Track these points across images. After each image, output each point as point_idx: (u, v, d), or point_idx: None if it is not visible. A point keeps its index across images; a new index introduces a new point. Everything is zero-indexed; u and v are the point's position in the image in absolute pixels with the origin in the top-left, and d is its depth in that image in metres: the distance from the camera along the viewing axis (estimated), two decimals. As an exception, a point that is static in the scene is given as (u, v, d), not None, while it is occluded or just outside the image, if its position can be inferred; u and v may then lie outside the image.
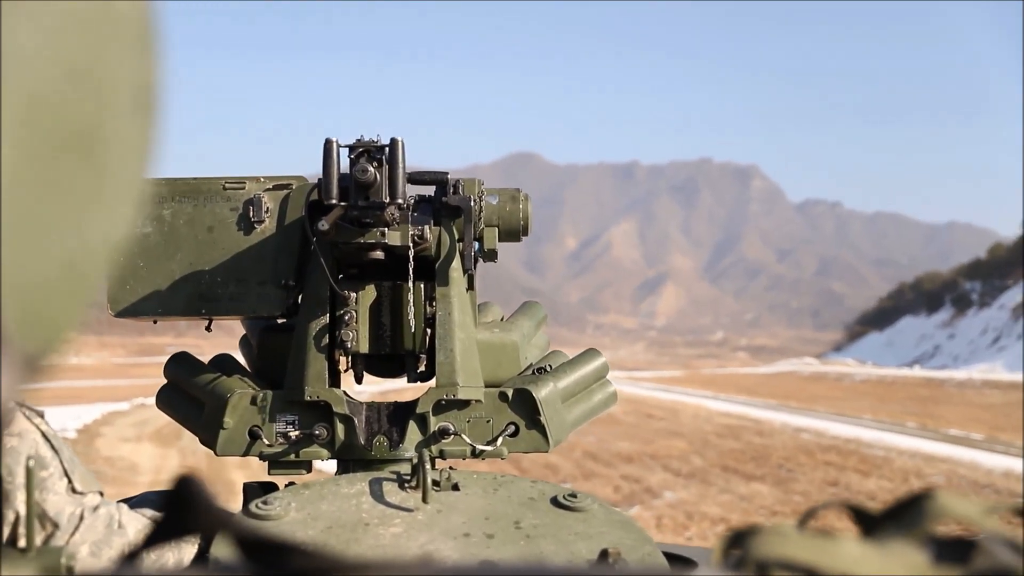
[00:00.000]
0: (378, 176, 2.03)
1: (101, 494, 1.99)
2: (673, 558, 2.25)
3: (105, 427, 23.22)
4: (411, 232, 2.15)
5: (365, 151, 2.02)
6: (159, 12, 0.52)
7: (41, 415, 1.95)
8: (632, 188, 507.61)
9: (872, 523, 0.62)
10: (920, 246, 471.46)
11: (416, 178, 2.18)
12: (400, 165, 2.03)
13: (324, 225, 2.06)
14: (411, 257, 2.17)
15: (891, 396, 38.31)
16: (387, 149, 2.03)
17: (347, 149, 2.04)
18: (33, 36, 0.45)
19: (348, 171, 2.05)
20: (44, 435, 1.93)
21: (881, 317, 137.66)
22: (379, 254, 2.17)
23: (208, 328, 2.40)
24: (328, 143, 2.04)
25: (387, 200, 2.04)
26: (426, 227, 2.18)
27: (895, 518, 0.61)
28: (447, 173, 2.24)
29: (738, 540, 0.56)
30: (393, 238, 2.13)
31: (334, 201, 2.05)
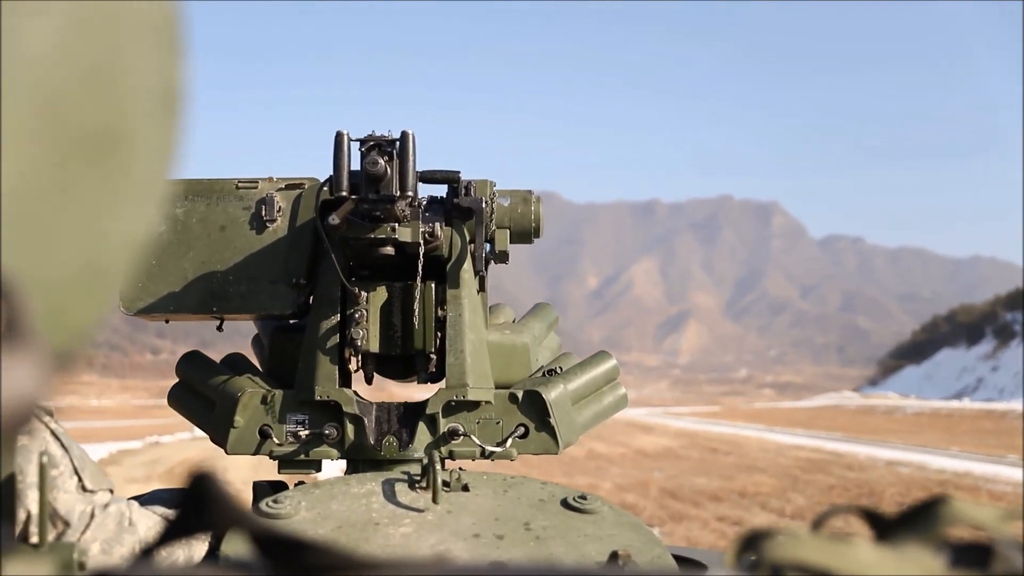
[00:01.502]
0: (389, 169, 2.01)
1: (111, 491, 1.98)
2: (683, 561, 2.22)
3: (112, 467, 21.60)
4: (422, 229, 2.14)
5: (376, 144, 2.01)
6: (182, 13, 0.52)
7: (51, 413, 1.94)
8: (653, 226, 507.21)
9: (886, 527, 0.62)
10: (944, 281, 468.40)
11: (428, 177, 2.16)
12: (410, 158, 2.02)
13: (335, 219, 2.05)
14: (421, 254, 2.17)
15: (956, 428, 36.57)
16: (398, 143, 2.02)
17: (358, 143, 2.02)
18: (53, 35, 0.44)
19: (359, 168, 2.04)
20: (54, 433, 1.91)
21: (916, 351, 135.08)
22: (389, 250, 2.14)
23: (220, 328, 2.39)
24: (339, 135, 2.04)
25: (397, 193, 2.02)
26: (437, 224, 2.17)
27: (909, 523, 0.60)
28: (459, 172, 2.21)
29: (752, 543, 0.56)
30: (404, 234, 2.12)
31: (344, 193, 2.04)
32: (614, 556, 1.86)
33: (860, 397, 79.59)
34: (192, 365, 2.40)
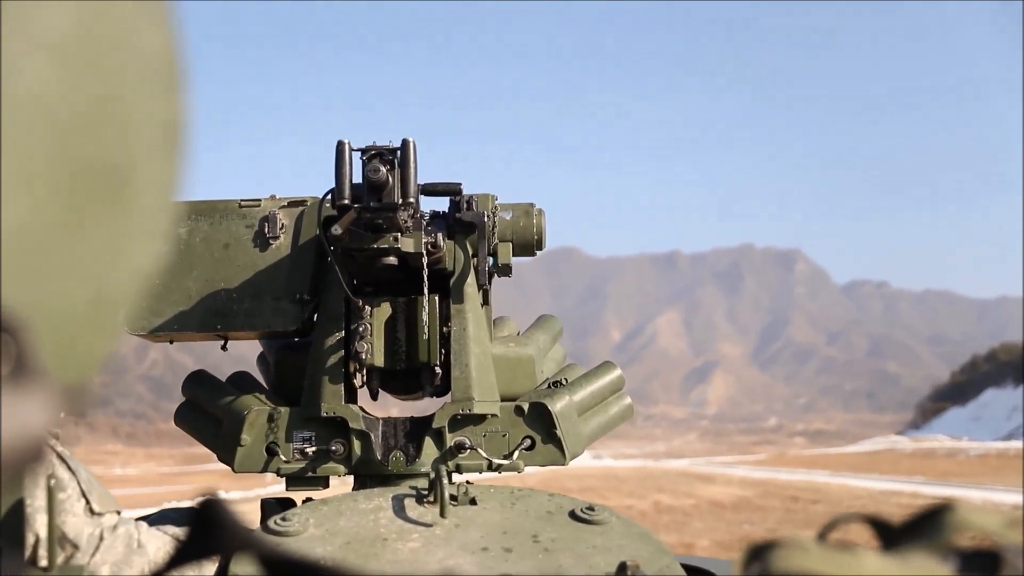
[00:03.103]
0: (390, 178, 2.00)
1: (119, 513, 1.97)
2: (692, 571, 2.20)
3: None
4: (424, 240, 2.14)
5: (377, 153, 2.00)
6: (184, 49, 0.53)
7: (56, 436, 1.92)
8: (675, 277, 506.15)
9: (892, 536, 0.61)
10: (973, 322, 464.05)
11: (430, 190, 2.17)
12: (412, 165, 2.01)
13: (338, 229, 2.05)
14: (425, 264, 2.16)
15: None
16: (399, 151, 2.01)
17: (359, 152, 2.02)
18: (57, 72, 0.45)
19: (360, 180, 2.04)
20: (60, 456, 1.91)
21: (957, 392, 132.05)
22: (392, 260, 2.14)
23: (224, 347, 2.39)
24: (340, 144, 2.03)
25: (399, 202, 2.02)
26: (439, 235, 2.17)
27: (915, 531, 0.59)
28: (460, 184, 2.22)
29: (758, 553, 0.55)
30: (406, 244, 2.12)
31: (347, 202, 2.03)
32: (623, 567, 1.84)
33: (910, 441, 76.98)
34: (198, 384, 2.40)
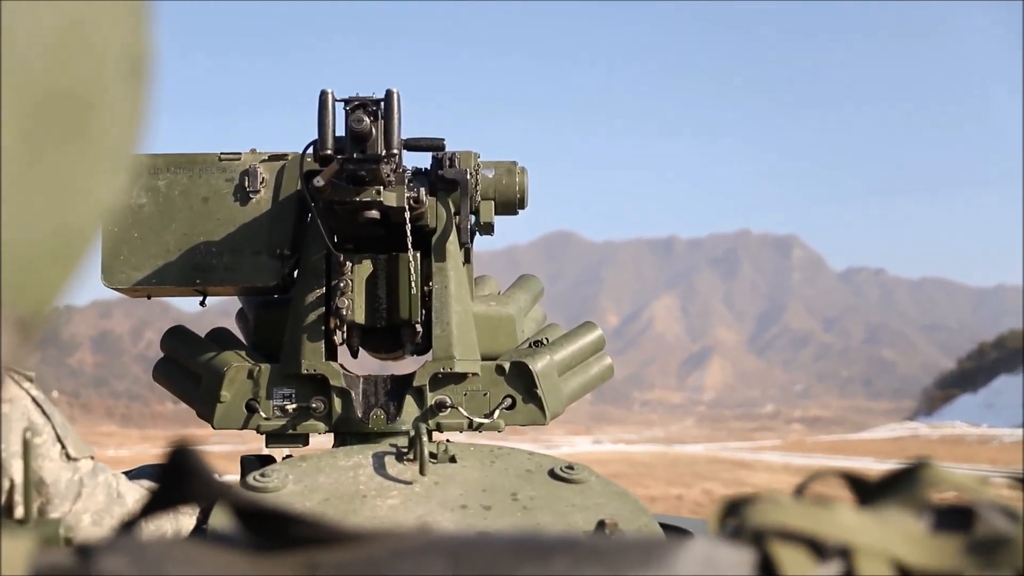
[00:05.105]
0: (374, 130, 1.99)
1: (92, 458, 1.96)
2: (670, 529, 2.20)
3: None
4: (407, 195, 2.13)
5: (361, 104, 2.00)
6: None
7: (30, 379, 1.90)
8: (672, 262, 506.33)
9: (868, 492, 0.61)
10: (970, 310, 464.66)
11: (412, 144, 2.16)
12: (395, 116, 2.00)
13: (320, 181, 2.03)
14: (407, 220, 2.14)
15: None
16: (382, 102, 2.00)
17: (343, 103, 2.01)
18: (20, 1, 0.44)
19: (344, 132, 2.02)
20: (34, 400, 1.89)
21: (966, 379, 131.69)
22: (374, 213, 2.12)
23: (202, 303, 2.36)
24: (324, 94, 2.02)
25: (383, 153, 2.00)
26: (422, 190, 2.16)
27: (891, 487, 0.60)
28: (443, 140, 2.20)
29: (734, 509, 0.55)
30: (389, 198, 2.10)
31: (329, 152, 2.01)
32: (601, 525, 1.84)
33: (927, 427, 76.13)
34: (177, 340, 2.38)
